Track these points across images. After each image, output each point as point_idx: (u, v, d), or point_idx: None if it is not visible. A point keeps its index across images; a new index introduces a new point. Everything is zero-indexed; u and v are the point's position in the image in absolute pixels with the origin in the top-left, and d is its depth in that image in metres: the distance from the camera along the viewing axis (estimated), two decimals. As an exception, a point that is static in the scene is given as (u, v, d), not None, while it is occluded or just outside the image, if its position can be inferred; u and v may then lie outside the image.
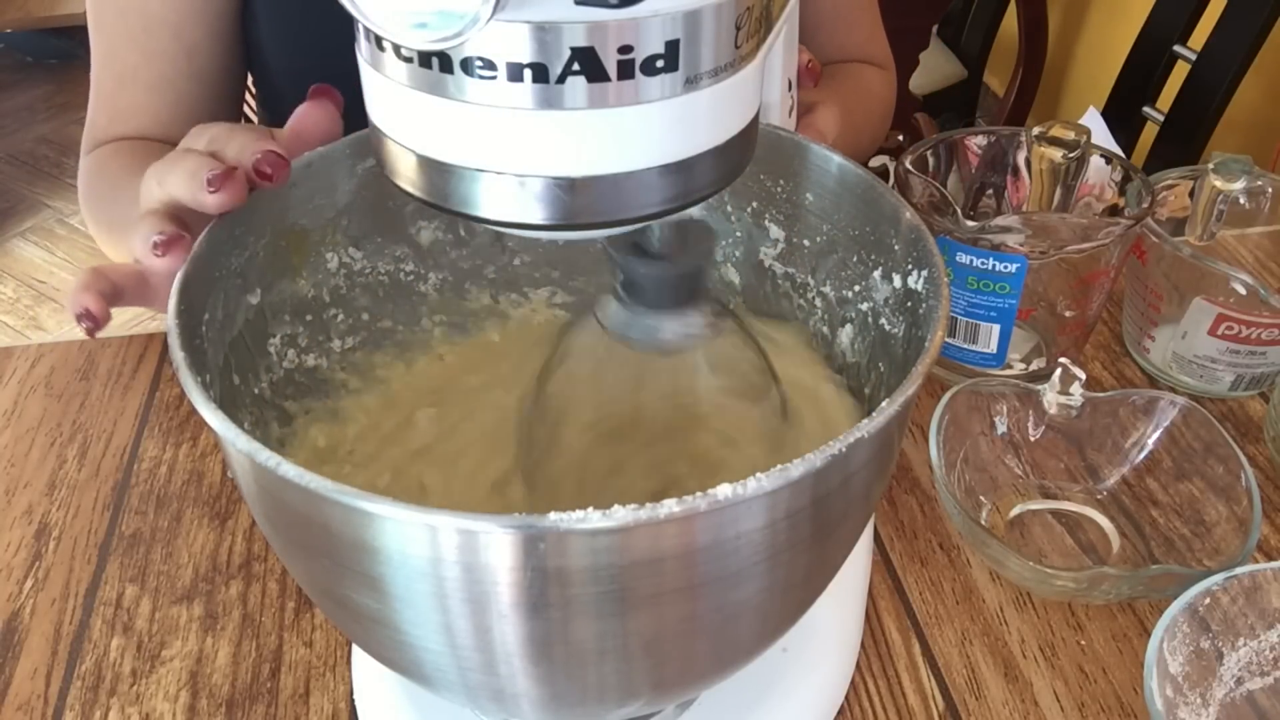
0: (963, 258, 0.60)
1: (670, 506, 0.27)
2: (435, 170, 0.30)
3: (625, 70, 0.27)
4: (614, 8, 0.26)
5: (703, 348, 0.39)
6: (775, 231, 0.47)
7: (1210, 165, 0.64)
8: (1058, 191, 0.64)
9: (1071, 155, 0.62)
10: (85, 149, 0.73)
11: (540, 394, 0.42)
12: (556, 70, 0.27)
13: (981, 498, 0.57)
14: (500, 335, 0.52)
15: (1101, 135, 0.78)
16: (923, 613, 0.53)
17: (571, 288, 0.52)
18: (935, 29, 1.94)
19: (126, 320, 2.13)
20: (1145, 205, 0.60)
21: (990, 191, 0.68)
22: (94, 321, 0.40)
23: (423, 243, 0.48)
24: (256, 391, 0.43)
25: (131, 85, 0.70)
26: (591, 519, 0.27)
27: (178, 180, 0.39)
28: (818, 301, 0.47)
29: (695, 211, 0.35)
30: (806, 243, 0.46)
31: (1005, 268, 0.59)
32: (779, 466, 0.28)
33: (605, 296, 0.39)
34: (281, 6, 0.71)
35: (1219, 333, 0.62)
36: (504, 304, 0.52)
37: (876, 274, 0.42)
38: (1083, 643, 0.51)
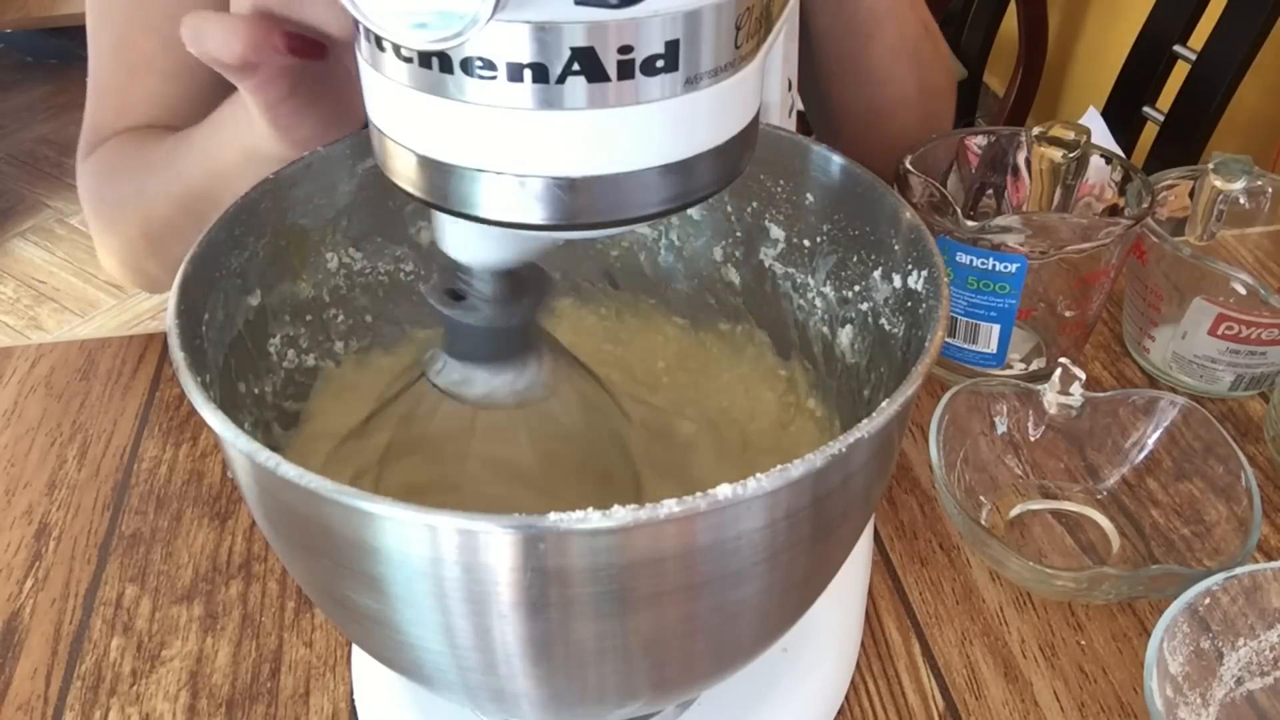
0: (963, 258, 0.60)
1: (670, 506, 0.27)
2: (435, 170, 0.30)
3: (625, 70, 0.27)
4: (614, 8, 0.26)
5: (542, 396, 0.38)
6: (775, 231, 0.47)
7: (1210, 165, 0.64)
8: (1058, 191, 0.64)
9: (1071, 155, 0.62)
10: (85, 151, 0.72)
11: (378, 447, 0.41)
12: (556, 70, 0.27)
13: (981, 498, 0.57)
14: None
15: (1101, 135, 0.78)
16: (923, 613, 0.53)
17: (572, 288, 0.52)
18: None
19: (126, 320, 2.14)
20: (1145, 205, 0.60)
21: (990, 191, 0.68)
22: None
23: (423, 243, 0.48)
24: (257, 392, 0.43)
25: (146, 74, 0.69)
26: (591, 519, 0.27)
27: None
28: (818, 301, 0.47)
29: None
30: (806, 243, 0.46)
31: (1005, 268, 0.59)
32: (779, 466, 0.28)
33: (434, 349, 0.37)
34: None
35: (1219, 333, 0.62)
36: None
37: (876, 274, 0.42)
38: (1083, 643, 0.51)
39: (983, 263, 0.60)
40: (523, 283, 0.36)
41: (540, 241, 0.34)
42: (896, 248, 0.40)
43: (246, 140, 0.52)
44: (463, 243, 0.34)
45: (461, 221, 0.31)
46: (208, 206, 0.59)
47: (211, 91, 0.65)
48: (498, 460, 0.40)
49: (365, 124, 0.33)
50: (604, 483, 0.41)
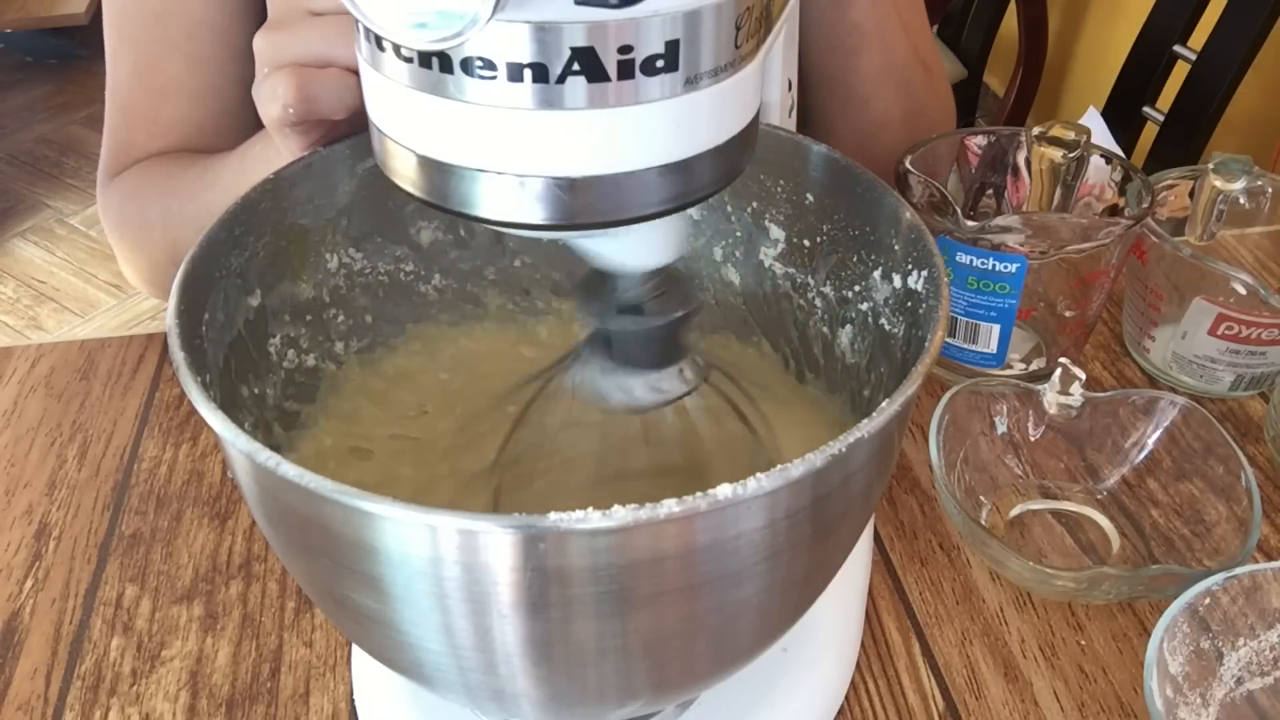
0: (963, 258, 0.60)
1: (670, 506, 0.27)
2: (435, 170, 0.30)
3: (625, 70, 0.27)
4: (614, 8, 0.26)
5: (679, 406, 0.38)
6: (775, 231, 0.47)
7: (1210, 165, 0.64)
8: (1058, 191, 0.64)
9: (1071, 155, 0.62)
10: (111, 171, 0.70)
11: (506, 452, 0.41)
12: (556, 70, 0.27)
13: (981, 498, 0.57)
14: (500, 336, 0.52)
15: (1101, 135, 0.78)
16: (923, 613, 0.53)
17: (572, 289, 0.52)
18: (935, 29, 1.94)
19: (126, 320, 2.14)
20: (1145, 205, 0.60)
21: (990, 191, 0.68)
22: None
23: (423, 243, 0.48)
24: (257, 392, 0.43)
25: (175, 96, 0.68)
26: (591, 519, 0.27)
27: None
28: (818, 301, 0.47)
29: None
30: (806, 243, 0.46)
31: (1005, 268, 0.59)
32: (779, 466, 0.28)
33: (582, 347, 0.38)
34: None
35: (1219, 333, 0.62)
36: (504, 305, 0.52)
37: (876, 274, 0.42)
38: (1083, 643, 0.51)
39: (983, 263, 0.60)
40: (670, 291, 0.37)
41: (681, 231, 0.35)
42: (896, 248, 0.40)
43: None
44: (614, 252, 0.35)
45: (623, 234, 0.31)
46: None
47: (240, 109, 0.66)
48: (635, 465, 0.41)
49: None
50: None
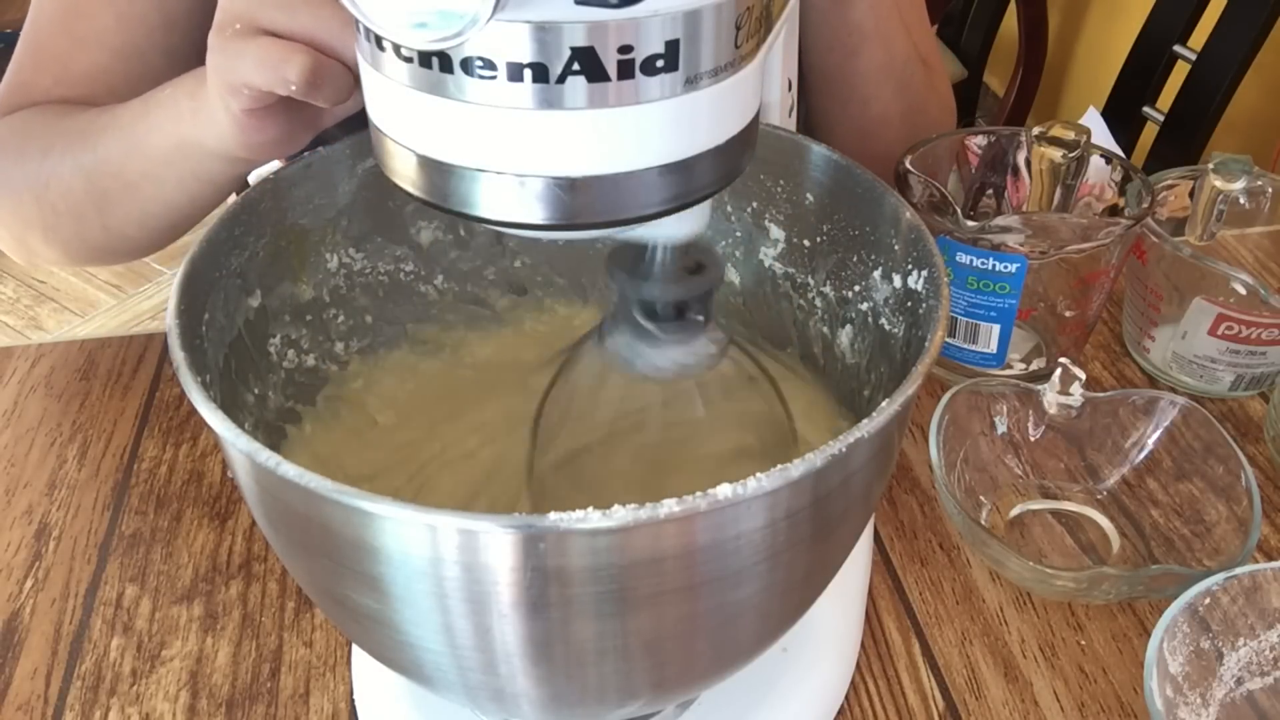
0: (963, 258, 0.60)
1: (670, 506, 0.27)
2: (435, 170, 0.30)
3: (625, 70, 0.27)
4: (614, 7, 0.26)
5: (706, 375, 0.39)
6: (775, 231, 0.47)
7: (1210, 165, 0.64)
8: (1058, 191, 0.64)
9: (1071, 155, 0.62)
10: (2, 109, 0.65)
11: (541, 421, 0.41)
12: (556, 70, 0.27)
13: (981, 498, 0.57)
14: (500, 336, 0.52)
15: (1101, 135, 0.78)
16: (923, 613, 0.53)
17: (572, 289, 0.52)
18: (935, 29, 1.94)
19: (126, 320, 2.14)
20: (1145, 205, 0.60)
21: (990, 191, 0.68)
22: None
23: (423, 243, 0.48)
24: (257, 392, 0.43)
25: (95, 48, 0.65)
26: (591, 519, 0.27)
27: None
28: (818, 301, 0.47)
29: (703, 237, 0.35)
30: (806, 243, 0.46)
31: (1005, 268, 0.59)
32: (779, 466, 0.28)
33: (607, 319, 0.38)
34: None
35: (1219, 333, 0.62)
36: (504, 305, 0.52)
37: (876, 274, 0.42)
38: (1083, 643, 0.51)
39: (983, 263, 0.60)
40: (697, 261, 0.37)
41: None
42: (896, 248, 0.40)
43: (186, 130, 0.50)
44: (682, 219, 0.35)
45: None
46: (114, 184, 0.56)
47: (159, 76, 0.59)
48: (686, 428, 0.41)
49: (352, 127, 0.33)
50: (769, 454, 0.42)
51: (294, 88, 0.40)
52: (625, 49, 0.27)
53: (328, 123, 0.45)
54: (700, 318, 0.37)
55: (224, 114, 0.45)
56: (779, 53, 0.47)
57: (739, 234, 0.48)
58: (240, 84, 0.42)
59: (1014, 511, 0.57)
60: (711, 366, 0.38)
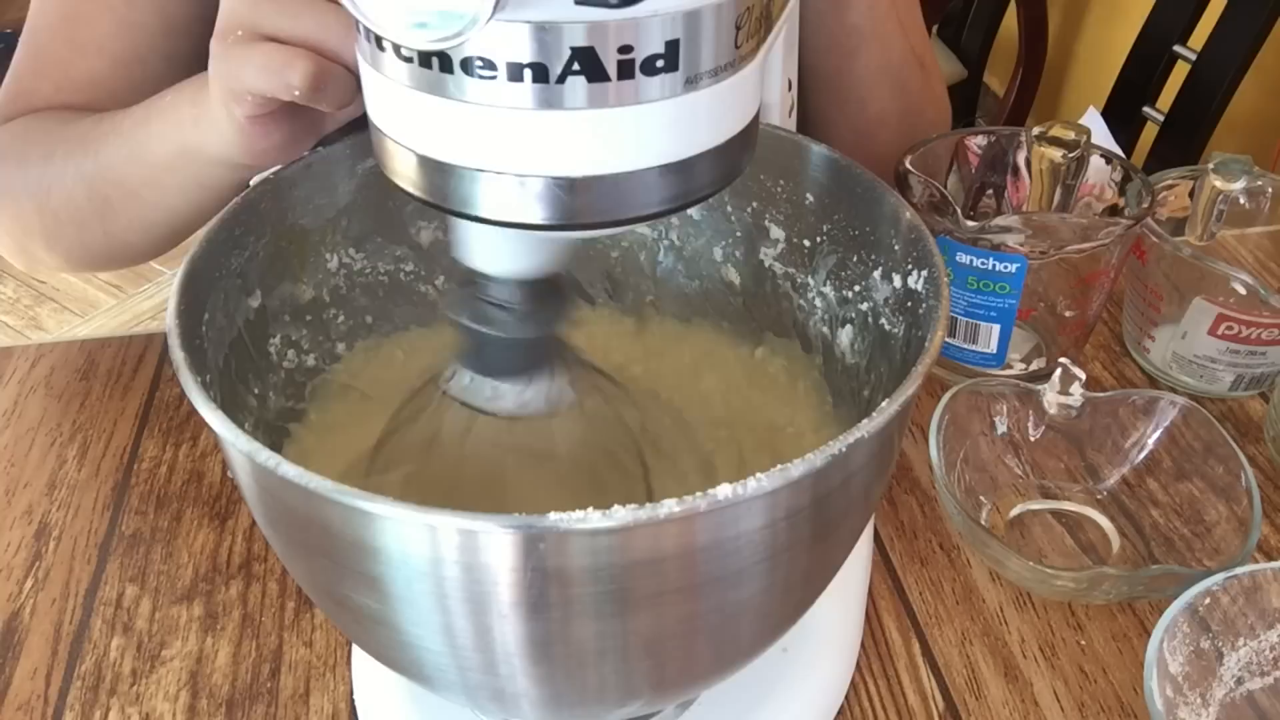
0: (963, 258, 0.60)
1: (670, 506, 0.27)
2: (435, 170, 0.30)
3: (625, 70, 0.27)
4: (614, 8, 0.26)
5: (555, 413, 0.38)
6: (775, 231, 0.47)
7: (1210, 165, 0.64)
8: (1058, 191, 0.64)
9: (1071, 155, 0.62)
10: (2, 116, 0.65)
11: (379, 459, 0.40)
12: (556, 70, 0.27)
13: (981, 498, 0.57)
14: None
15: (1101, 135, 0.78)
16: (923, 613, 0.53)
17: (572, 289, 0.52)
18: (935, 29, 1.94)
19: (126, 320, 2.13)
20: (1145, 205, 0.60)
21: (990, 191, 0.68)
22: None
23: (423, 243, 0.48)
24: (257, 392, 0.43)
25: (95, 55, 0.64)
26: (591, 519, 0.27)
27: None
28: (818, 301, 0.47)
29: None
30: (806, 243, 0.46)
31: (1005, 268, 0.59)
32: (779, 466, 0.28)
33: (454, 366, 0.37)
34: None
35: (1219, 333, 0.62)
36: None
37: (876, 274, 0.42)
38: (1083, 643, 0.51)
39: (983, 263, 0.60)
40: (544, 292, 0.36)
41: (564, 247, 0.34)
42: (896, 248, 0.40)
43: (188, 136, 0.50)
44: (492, 254, 0.34)
45: (488, 232, 0.31)
46: (116, 192, 0.56)
47: (160, 83, 0.59)
48: (531, 472, 0.40)
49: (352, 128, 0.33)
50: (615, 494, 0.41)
51: (298, 93, 0.40)
52: (625, 49, 0.27)
53: (330, 127, 0.45)
54: (535, 360, 0.37)
55: (227, 121, 0.45)
56: (779, 53, 0.47)
57: (739, 234, 0.48)
58: (243, 90, 0.42)
59: (1014, 511, 0.57)
60: (548, 411, 0.37)
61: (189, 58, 0.65)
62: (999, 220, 0.59)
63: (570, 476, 0.40)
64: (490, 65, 0.27)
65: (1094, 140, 0.63)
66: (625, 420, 0.41)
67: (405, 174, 0.31)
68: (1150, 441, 0.57)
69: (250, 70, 0.41)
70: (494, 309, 0.35)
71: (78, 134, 0.59)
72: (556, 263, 0.35)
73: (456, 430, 0.39)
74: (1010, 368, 0.65)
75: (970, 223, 0.58)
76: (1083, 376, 0.56)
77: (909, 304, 0.40)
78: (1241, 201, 0.66)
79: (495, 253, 0.34)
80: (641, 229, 0.50)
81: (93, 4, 0.64)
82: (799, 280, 0.47)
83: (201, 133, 0.48)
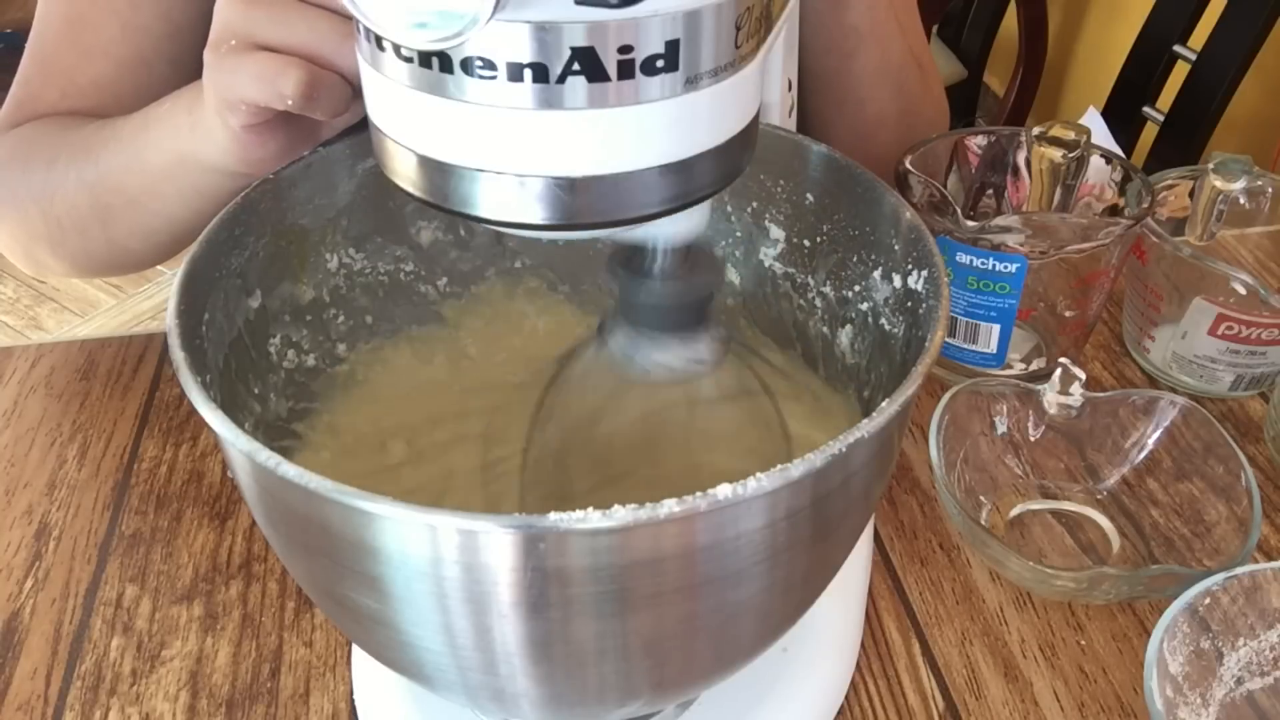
0: (963, 258, 0.60)
1: (670, 506, 0.27)
2: (435, 170, 0.30)
3: (625, 70, 0.27)
4: (614, 8, 0.26)
5: (706, 375, 0.38)
6: (775, 231, 0.47)
7: (1210, 165, 0.64)
8: (1058, 191, 0.64)
9: (1071, 155, 0.62)
10: (8, 124, 0.66)
11: (541, 421, 0.41)
12: (556, 70, 0.27)
13: (981, 498, 0.57)
14: (500, 336, 0.52)
15: (1101, 135, 0.78)
16: (923, 613, 0.53)
17: (571, 289, 0.52)
18: (935, 29, 1.94)
19: (126, 320, 2.14)
20: (1145, 205, 0.60)
21: (990, 191, 0.68)
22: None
23: (423, 243, 0.48)
24: (257, 392, 0.43)
25: (102, 59, 0.64)
26: (591, 519, 0.27)
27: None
28: (818, 301, 0.47)
29: (704, 238, 0.35)
30: (806, 243, 0.46)
31: (1005, 268, 0.59)
32: (779, 466, 0.28)
33: (607, 320, 0.38)
34: None
35: (1219, 333, 0.62)
36: (504, 304, 0.52)
37: (876, 274, 0.42)
38: (1083, 643, 0.51)
39: (983, 263, 0.60)
40: (697, 261, 0.37)
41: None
42: (896, 248, 0.40)
43: (185, 145, 0.50)
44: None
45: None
46: (116, 199, 0.56)
47: (165, 86, 0.59)
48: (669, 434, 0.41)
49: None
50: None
51: (291, 102, 0.40)
52: (625, 49, 0.27)
53: (326, 134, 0.45)
54: (700, 319, 0.37)
55: (222, 130, 0.45)
56: (779, 53, 0.47)
57: (739, 234, 0.48)
58: (237, 100, 0.42)
59: (1014, 511, 0.57)
60: (712, 369, 0.38)
61: (194, 61, 0.63)
62: (999, 220, 0.59)
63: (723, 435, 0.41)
64: (490, 65, 0.27)
65: (1094, 140, 0.63)
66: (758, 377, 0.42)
67: (405, 174, 0.31)
68: (1150, 441, 0.57)
69: (244, 80, 0.41)
70: (662, 274, 0.36)
71: (80, 140, 0.59)
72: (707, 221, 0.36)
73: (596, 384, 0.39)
74: (1010, 368, 0.65)
75: (970, 223, 0.58)
76: (1083, 376, 0.56)
77: (909, 304, 0.40)
78: (1241, 201, 0.66)
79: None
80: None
81: (97, 9, 0.64)
82: (799, 280, 0.47)
83: (197, 141, 0.48)
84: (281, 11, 0.41)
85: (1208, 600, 0.45)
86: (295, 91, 0.40)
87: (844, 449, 0.29)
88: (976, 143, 0.67)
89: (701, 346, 0.38)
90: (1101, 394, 0.57)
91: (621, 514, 0.27)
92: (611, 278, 0.37)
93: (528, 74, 0.27)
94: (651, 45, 0.27)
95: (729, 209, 0.48)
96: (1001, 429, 0.58)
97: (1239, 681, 0.46)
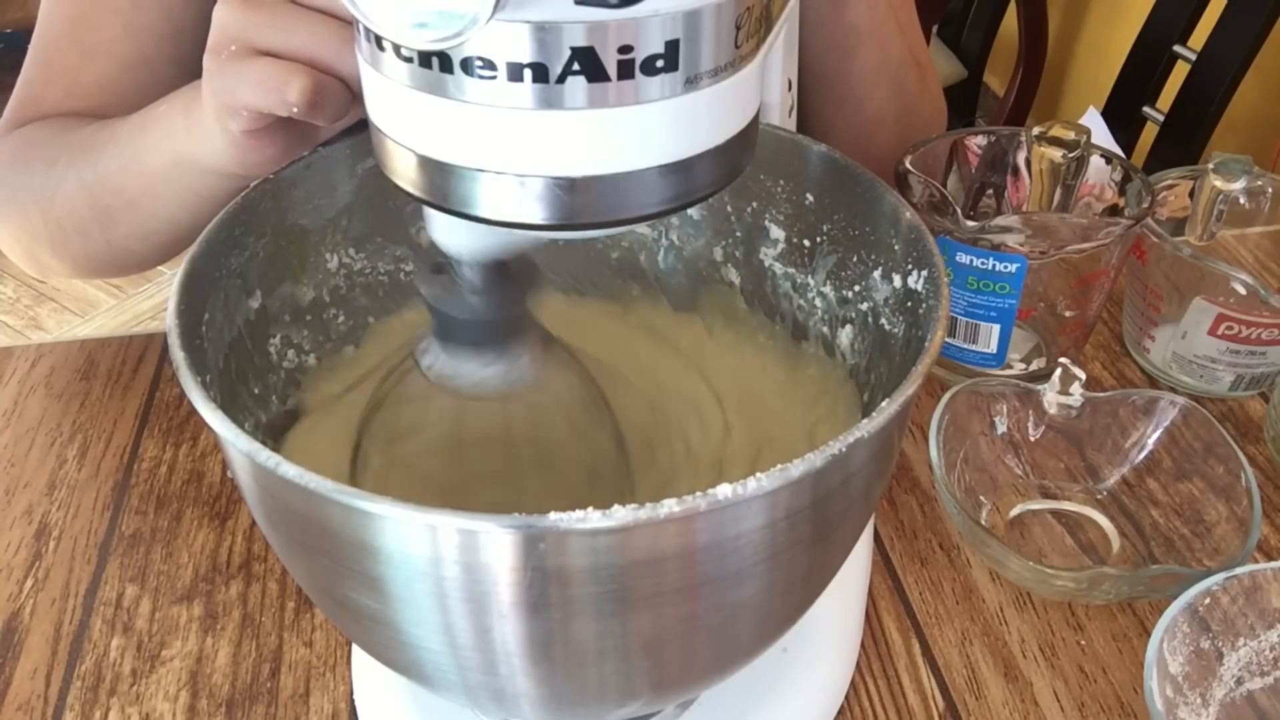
0: (963, 258, 0.60)
1: (670, 506, 0.27)
2: (435, 170, 0.30)
3: (625, 70, 0.27)
4: (614, 8, 0.26)
5: (530, 386, 0.38)
6: (775, 231, 0.47)
7: (1210, 165, 0.64)
8: (1058, 191, 0.64)
9: (1071, 155, 0.62)
10: (12, 124, 0.66)
11: (366, 440, 0.41)
12: (556, 70, 0.27)
13: (981, 498, 0.57)
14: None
15: (1101, 135, 0.78)
16: (923, 613, 0.53)
17: (571, 289, 0.52)
18: (935, 29, 1.94)
19: (126, 320, 2.14)
20: (1145, 205, 0.60)
21: (990, 191, 0.68)
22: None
23: (423, 243, 0.48)
24: (257, 392, 0.43)
25: (104, 59, 0.65)
26: (591, 519, 0.27)
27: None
28: (818, 301, 0.47)
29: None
30: (806, 243, 0.46)
31: (1005, 268, 0.59)
32: (779, 466, 0.28)
33: (426, 338, 0.38)
34: None
35: (1219, 333, 0.62)
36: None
37: (876, 274, 0.42)
38: (1083, 643, 0.51)
39: (983, 263, 0.60)
40: (511, 273, 0.36)
41: (526, 236, 0.34)
42: (896, 248, 0.40)
43: (182, 147, 0.50)
44: (450, 233, 0.35)
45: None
46: (116, 201, 0.57)
47: (168, 86, 0.59)
48: (488, 455, 0.40)
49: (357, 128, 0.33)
50: (592, 478, 0.42)
51: (295, 109, 0.40)
52: (625, 49, 0.27)
53: (323, 138, 0.45)
54: (508, 332, 0.37)
55: (221, 134, 0.45)
56: (779, 53, 0.47)
57: (739, 234, 0.48)
58: (239, 106, 0.42)
59: (1014, 511, 0.57)
60: (527, 381, 0.38)
61: (196, 60, 0.63)
62: (999, 220, 0.59)
63: (532, 458, 0.41)
64: (490, 65, 0.27)
65: (1094, 140, 0.63)
66: (604, 403, 0.42)
67: (405, 174, 0.31)
68: (1150, 441, 0.57)
69: (246, 87, 0.41)
70: (458, 286, 0.36)
71: (80, 142, 0.59)
72: (515, 246, 0.35)
73: (420, 397, 0.39)
74: (1010, 368, 0.65)
75: (970, 223, 0.58)
76: (1083, 376, 0.56)
77: (909, 304, 0.40)
78: (1241, 201, 0.66)
79: (455, 233, 0.35)
80: (641, 229, 0.50)
81: (99, 9, 0.64)
82: (799, 280, 0.47)
83: (195, 143, 0.48)
84: (281, 16, 0.41)
85: (1208, 600, 0.45)
86: (300, 99, 0.40)
87: (844, 449, 0.29)
88: (976, 143, 0.67)
89: (519, 365, 0.37)
90: (1101, 394, 0.57)
91: (621, 514, 0.27)
92: (422, 288, 0.36)
93: (528, 74, 0.27)
94: (651, 45, 0.27)
95: (729, 209, 0.48)
96: (1001, 429, 0.58)
97: (1239, 681, 0.46)
